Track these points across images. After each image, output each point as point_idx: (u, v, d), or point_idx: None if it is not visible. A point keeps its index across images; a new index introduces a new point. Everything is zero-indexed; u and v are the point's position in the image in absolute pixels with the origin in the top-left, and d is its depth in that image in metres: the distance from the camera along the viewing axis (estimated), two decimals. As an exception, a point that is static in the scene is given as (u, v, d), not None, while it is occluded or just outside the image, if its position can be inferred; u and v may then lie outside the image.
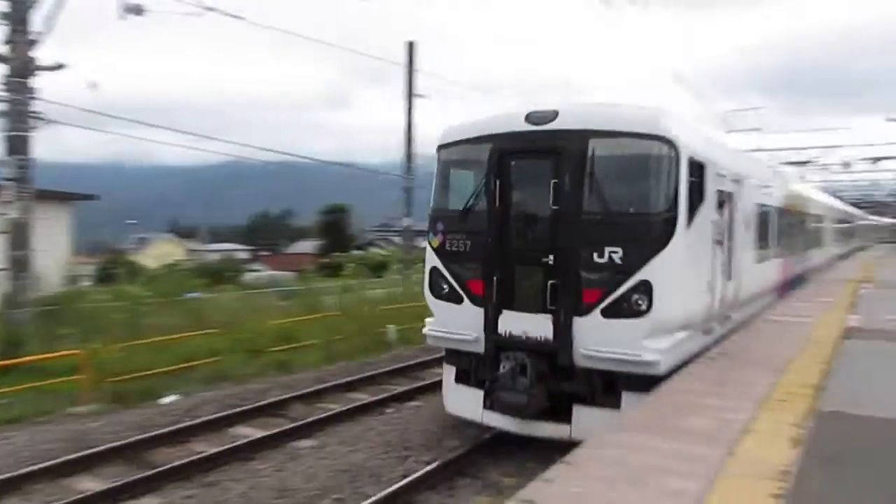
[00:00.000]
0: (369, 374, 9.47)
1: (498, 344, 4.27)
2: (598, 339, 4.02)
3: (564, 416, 4.34)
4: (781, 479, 3.32)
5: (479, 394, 4.47)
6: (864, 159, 18.09)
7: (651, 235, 3.84)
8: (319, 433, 7.26)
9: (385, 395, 8.48)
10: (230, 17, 9.84)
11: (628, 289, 3.84)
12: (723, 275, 5.16)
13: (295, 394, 8.41)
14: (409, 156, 15.81)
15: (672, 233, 3.94)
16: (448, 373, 4.84)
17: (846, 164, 18.11)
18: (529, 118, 4.27)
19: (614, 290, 3.87)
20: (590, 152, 3.94)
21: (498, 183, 4.16)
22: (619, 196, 3.97)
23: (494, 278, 4.22)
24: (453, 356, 4.79)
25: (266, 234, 57.09)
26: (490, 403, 4.44)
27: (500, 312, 4.26)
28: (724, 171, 4.99)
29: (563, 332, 3.97)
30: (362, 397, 8.56)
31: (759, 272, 6.83)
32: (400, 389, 8.72)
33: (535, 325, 4.06)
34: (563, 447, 3.72)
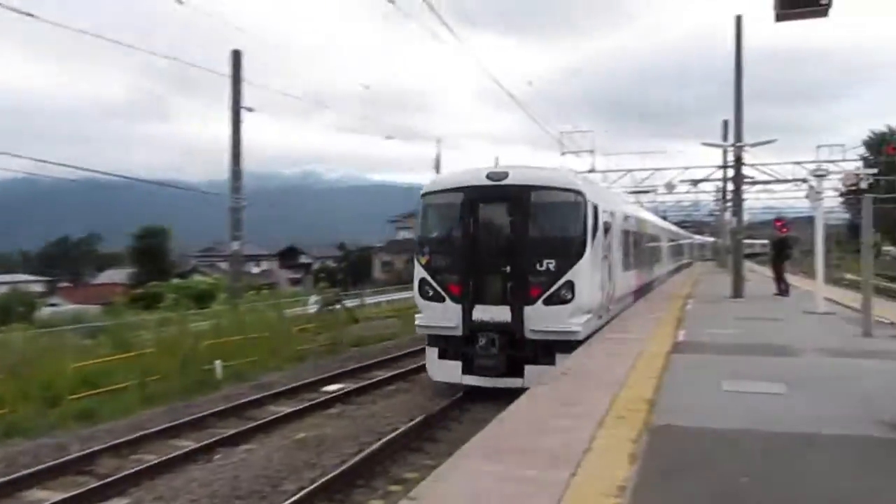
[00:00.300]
0: (194, 416, 8.71)
1: (472, 328, 7.08)
2: (540, 320, 6.87)
3: (519, 373, 7.26)
4: (618, 496, 3.62)
5: (458, 364, 7.24)
6: (685, 181, 21.86)
7: (572, 252, 6.89)
8: (134, 489, 6.59)
9: (212, 439, 7.85)
10: (15, 12, 8.51)
11: (559, 286, 6.73)
12: (607, 279, 8.53)
13: (103, 446, 7.61)
14: (235, 173, 14.41)
15: (584, 250, 7.02)
16: (431, 353, 7.74)
17: (670, 186, 20.22)
18: (489, 176, 7.24)
19: (550, 287, 6.74)
20: (532, 199, 6.96)
21: (470, 220, 7.19)
22: (551, 227, 6.89)
23: (469, 283, 7.09)
24: (438, 340, 7.55)
25: (66, 263, 48.82)
26: (467, 369, 7.11)
27: (473, 306, 7.12)
28: (606, 208, 8.43)
29: (517, 316, 6.80)
30: (186, 444, 7.90)
31: (625, 279, 10.51)
32: (230, 432, 8.11)
33: (498, 314, 6.95)
34: (458, 441, 5.47)
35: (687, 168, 43.40)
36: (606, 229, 9.20)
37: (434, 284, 8.50)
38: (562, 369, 5.78)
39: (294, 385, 10.54)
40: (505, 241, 8.18)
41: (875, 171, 19.29)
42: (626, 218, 11.85)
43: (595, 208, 8.67)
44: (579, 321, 7.85)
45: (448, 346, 8.42)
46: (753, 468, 4.00)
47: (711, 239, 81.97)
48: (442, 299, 8.35)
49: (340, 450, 7.06)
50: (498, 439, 4.12)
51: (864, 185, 18.79)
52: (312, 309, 16.25)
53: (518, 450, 4.00)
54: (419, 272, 8.54)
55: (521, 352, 8.00)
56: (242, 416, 8.96)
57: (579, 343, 7.35)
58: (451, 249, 8.52)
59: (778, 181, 21.67)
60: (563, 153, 19.07)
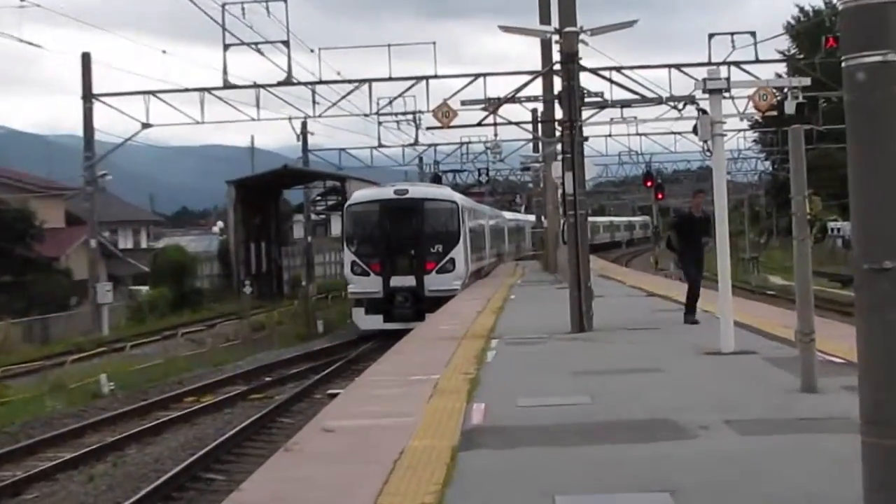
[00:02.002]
0: None
1: (390, 292, 40.03)
2: (434, 284, 40.24)
3: (422, 318, 34.25)
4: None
5: (380, 317, 39.87)
6: (472, 103, 30.12)
7: (452, 240, 41.44)
8: None
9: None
10: None
11: (445, 262, 40.78)
12: (474, 254, 46.89)
13: None
14: None
15: (459, 238, 41.69)
16: (359, 311, 40.84)
17: (444, 113, 39.34)
18: (395, 192, 42.38)
19: (440, 262, 40.74)
20: (426, 207, 41.95)
21: (385, 221, 40.85)
22: (439, 225, 41.82)
23: (387, 262, 40.24)
24: (366, 302, 40.37)
25: None
26: (388, 319, 39.62)
27: (390, 277, 40.05)
28: (470, 210, 48.51)
29: (420, 282, 40.13)
30: None
31: (485, 254, 55.14)
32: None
33: (408, 281, 40.09)
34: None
35: (479, 76, 51.99)
36: (471, 226, 45.17)
37: (361, 264, 40.53)
38: None
39: None
40: (409, 234, 40.56)
41: (808, 79, 23.23)
42: (482, 217, 54.92)
43: (464, 211, 43.32)
44: (458, 283, 40.95)
45: (372, 305, 39.94)
46: None
47: (529, 218, 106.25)
48: (367, 274, 40.19)
49: None
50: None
51: (790, 105, 22.54)
52: None
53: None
54: (349, 256, 41.31)
55: (423, 304, 38.43)
56: None
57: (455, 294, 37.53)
58: (372, 241, 40.71)
59: (643, 100, 24.98)
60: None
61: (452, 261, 42.24)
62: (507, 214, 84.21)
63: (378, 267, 41.23)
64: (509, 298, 33.01)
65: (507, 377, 13.75)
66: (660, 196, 68.96)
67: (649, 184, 66.42)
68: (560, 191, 28.18)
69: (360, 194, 44.74)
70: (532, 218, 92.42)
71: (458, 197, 46.50)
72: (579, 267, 19.96)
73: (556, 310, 22.74)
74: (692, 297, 19.52)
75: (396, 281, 41.06)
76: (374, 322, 40.86)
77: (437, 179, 67.74)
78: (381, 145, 61.24)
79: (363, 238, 42.32)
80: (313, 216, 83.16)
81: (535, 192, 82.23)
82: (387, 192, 43.59)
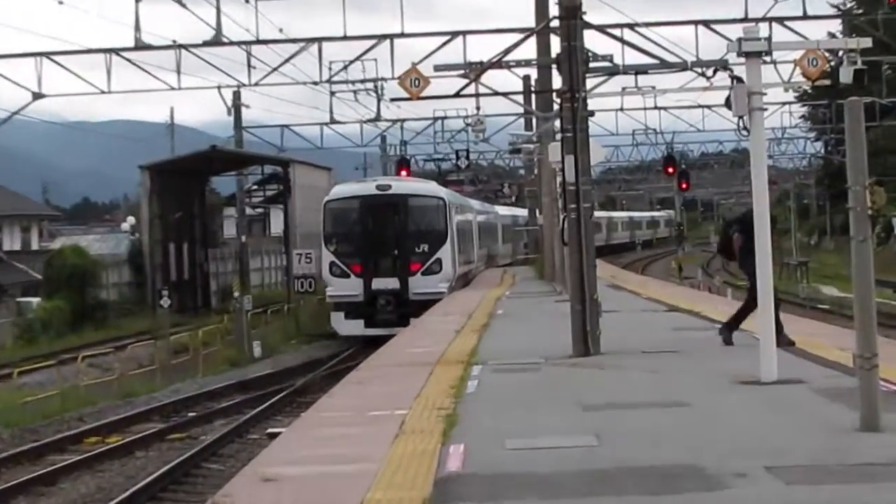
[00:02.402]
0: None
1: (372, 295, 48.38)
2: (420, 286, 48.44)
3: (406, 323, 38.39)
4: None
5: (361, 321, 48.21)
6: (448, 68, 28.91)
7: (439, 239, 49.89)
8: None
9: None
10: None
11: (431, 262, 49.08)
12: (462, 255, 56.82)
13: None
14: None
15: (446, 237, 50.38)
16: (338, 315, 49.62)
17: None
18: (378, 187, 51.56)
19: (425, 263, 49.05)
20: (410, 203, 50.86)
21: (367, 219, 50.14)
22: (425, 223, 50.71)
23: (369, 263, 49.12)
24: (345, 305, 49.07)
25: None
26: (369, 324, 47.99)
27: (371, 279, 48.56)
28: (458, 206, 58.82)
29: (404, 284, 48.41)
30: None
31: (474, 255, 66.00)
32: None
33: (391, 283, 48.55)
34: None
35: (457, 35, 52.40)
36: (459, 221, 55.11)
37: (341, 265, 48.91)
38: None
39: None
40: (392, 233, 49.63)
41: (868, 40, 23.25)
42: (471, 212, 66.12)
43: (453, 207, 52.91)
44: (445, 286, 49.13)
45: (352, 309, 48.36)
46: None
47: (520, 212, 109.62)
48: (347, 276, 48.69)
49: None
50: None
51: (846, 73, 22.67)
52: None
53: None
54: (328, 257, 49.54)
55: (407, 308, 45.33)
56: None
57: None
58: (354, 239, 49.39)
59: (663, 66, 25.03)
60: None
61: (439, 261, 48.93)
62: (502, 209, 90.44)
63: (359, 268, 47.99)
64: (495, 314, 33.18)
65: (493, 412, 13.79)
66: (684, 186, 69.25)
67: (671, 170, 66.56)
68: (559, 179, 28.21)
69: (339, 189, 52.44)
70: (523, 212, 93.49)
71: (445, 192, 53.84)
72: (583, 274, 20.10)
73: (553, 328, 22.85)
74: (744, 313, 19.58)
75: (378, 283, 47.96)
76: (355, 327, 47.89)
77: (404, 165, 68.48)
78: (333, 121, 61.49)
79: (343, 237, 49.18)
80: (249, 210, 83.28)
81: (528, 180, 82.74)
82: (368, 188, 50.77)
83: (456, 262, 51.36)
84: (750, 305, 19.78)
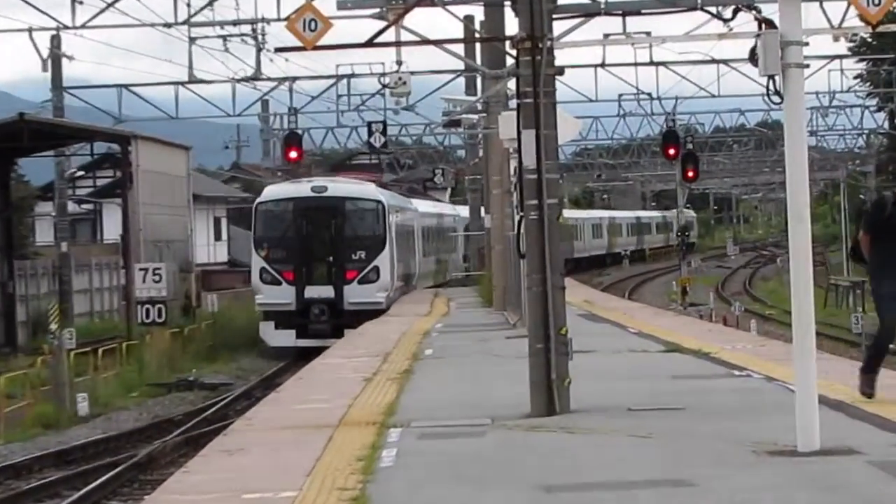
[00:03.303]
0: None
1: (304, 304, 69.34)
2: (356, 295, 69.30)
3: (341, 335, 56.07)
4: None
5: (292, 332, 69.14)
6: None
7: (377, 245, 71.04)
8: None
9: None
10: None
11: (368, 270, 69.66)
12: (401, 262, 79.94)
13: None
14: None
15: (385, 243, 71.50)
16: (268, 326, 70.89)
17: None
18: (313, 189, 71.84)
19: (362, 271, 69.70)
20: (347, 207, 71.64)
21: (301, 222, 70.97)
22: (362, 227, 71.98)
23: (302, 269, 69.77)
24: (276, 315, 70.08)
25: None
26: (301, 335, 69.13)
27: (304, 287, 69.27)
28: (398, 209, 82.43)
29: (339, 293, 69.22)
30: None
31: (410, 269, 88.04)
32: None
33: (325, 291, 69.45)
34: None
35: None
36: (399, 229, 78.31)
37: (272, 271, 68.77)
38: None
39: None
40: (327, 238, 70.03)
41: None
42: (412, 212, 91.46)
43: (391, 210, 74.60)
44: (383, 296, 69.66)
45: (283, 319, 68.95)
46: None
47: (449, 210, 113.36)
48: (279, 283, 68.55)
49: None
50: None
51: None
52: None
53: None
54: (258, 262, 69.59)
55: (342, 319, 65.76)
56: None
57: (383, 311, 66.19)
58: (286, 244, 69.48)
59: (662, 4, 25.18)
60: None
61: (377, 269, 63.48)
62: (424, 204, 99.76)
63: (291, 275, 62.44)
64: (422, 355, 33.34)
65: (417, 496, 13.71)
66: (690, 174, 68.69)
67: (672, 152, 66.49)
68: (513, 164, 28.21)
69: (272, 190, 67.96)
70: (459, 212, 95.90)
71: (384, 195, 68.92)
72: (547, 299, 20.09)
73: (504, 375, 22.93)
74: (880, 349, 19.60)
75: (312, 291, 62.41)
76: (286, 338, 62.87)
77: (293, 143, 71.11)
78: (194, 80, 61.45)
79: (274, 241, 64.20)
80: (73, 206, 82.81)
81: (469, 165, 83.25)
82: (303, 189, 65.40)
83: (395, 270, 66.26)
84: (883, 338, 19.84)
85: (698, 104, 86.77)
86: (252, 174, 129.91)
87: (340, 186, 69.30)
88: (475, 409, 21.66)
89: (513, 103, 24.90)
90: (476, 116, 57.79)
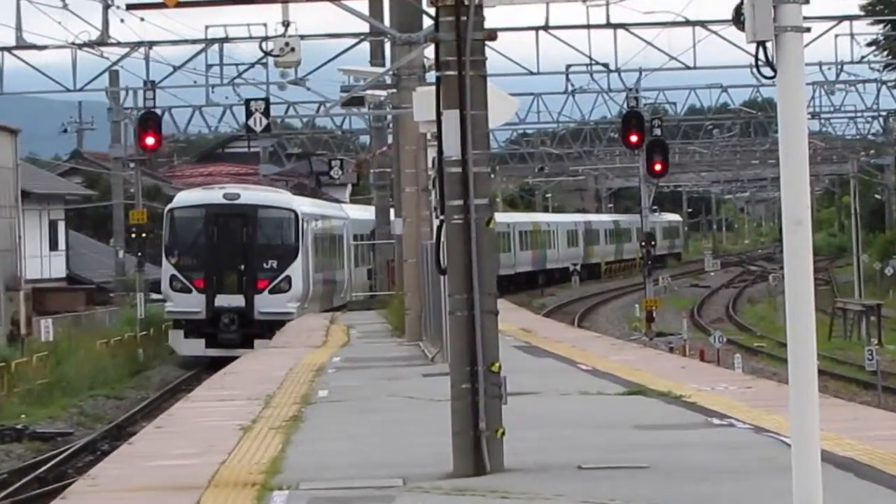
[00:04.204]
0: None
1: (215, 313, 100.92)
2: (266, 305, 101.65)
3: (250, 345, 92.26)
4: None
5: (201, 341, 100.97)
6: None
7: (289, 254, 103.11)
8: None
9: None
10: None
11: (280, 280, 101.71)
12: (316, 272, 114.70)
13: None
14: None
15: (297, 253, 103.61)
16: (177, 334, 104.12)
17: None
18: (225, 196, 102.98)
19: (273, 280, 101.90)
20: (259, 215, 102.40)
21: (212, 230, 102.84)
22: (274, 236, 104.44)
23: (213, 278, 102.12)
24: (186, 323, 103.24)
25: None
26: (210, 344, 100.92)
27: (215, 295, 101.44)
28: (316, 218, 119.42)
29: (250, 302, 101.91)
30: None
31: (333, 280, 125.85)
32: None
33: (235, 300, 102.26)
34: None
35: None
36: (314, 237, 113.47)
37: (182, 279, 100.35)
38: None
39: None
40: (239, 246, 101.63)
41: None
42: (326, 220, 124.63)
43: (305, 219, 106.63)
44: (294, 306, 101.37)
45: (193, 327, 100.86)
46: None
47: (340, 213, 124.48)
48: (189, 290, 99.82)
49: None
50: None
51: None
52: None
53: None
54: (168, 269, 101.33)
55: (252, 329, 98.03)
56: None
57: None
58: (198, 252, 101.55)
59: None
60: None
61: (288, 279, 77.05)
62: (306, 204, 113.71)
63: (202, 283, 74.69)
64: (314, 396, 33.41)
65: None
66: (658, 167, 69.28)
67: (635, 139, 66.94)
68: (431, 154, 28.23)
69: (184, 196, 77.65)
70: (363, 214, 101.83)
71: (299, 204, 79.26)
72: (475, 327, 20.04)
73: (419, 423, 22.97)
74: None
75: (222, 300, 75.46)
76: (195, 347, 75.44)
77: (150, 125, 72.42)
78: (23, 44, 61.38)
79: (185, 248, 76.85)
80: None
81: (375, 157, 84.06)
82: (215, 196, 77.21)
83: (310, 280, 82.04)
84: None
85: (668, 78, 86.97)
86: (98, 165, 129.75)
87: (254, 194, 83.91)
88: (382, 467, 21.71)
89: (431, 76, 24.92)
90: (384, 93, 57.30)
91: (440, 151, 21.61)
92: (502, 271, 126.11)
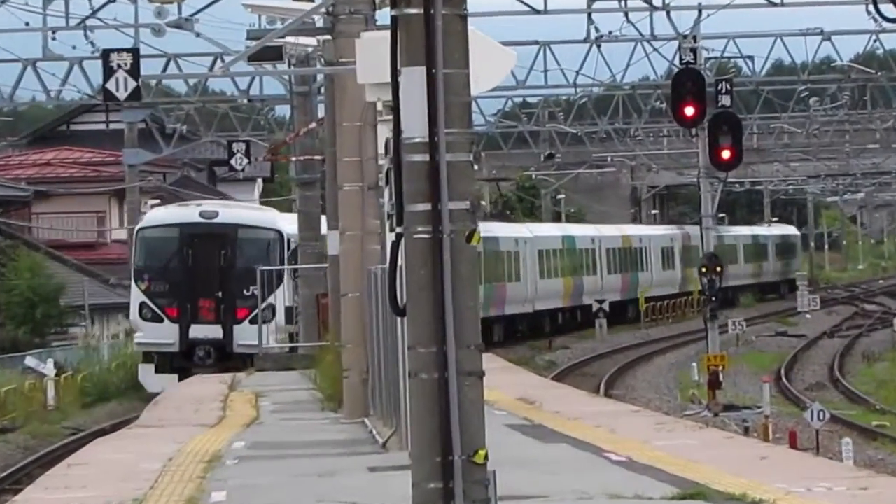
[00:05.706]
0: None
1: (189, 344, 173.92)
2: (247, 337, 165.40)
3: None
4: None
5: (174, 377, 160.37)
6: None
7: (272, 280, 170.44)
8: None
9: None
10: None
11: (262, 308, 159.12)
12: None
13: None
14: None
15: (282, 278, 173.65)
16: (146, 368, 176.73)
17: None
18: (202, 214, 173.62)
19: (254, 309, 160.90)
20: (240, 235, 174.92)
21: (187, 252, 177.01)
22: (256, 259, 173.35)
23: (187, 306, 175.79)
24: (155, 356, 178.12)
25: None
26: (185, 379, 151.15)
27: (189, 325, 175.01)
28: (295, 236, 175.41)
29: (228, 333, 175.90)
30: None
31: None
32: None
33: (212, 331, 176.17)
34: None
35: None
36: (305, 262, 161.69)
37: (153, 307, 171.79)
38: None
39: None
40: (217, 270, 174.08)
41: None
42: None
43: (289, 240, 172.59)
44: (279, 337, 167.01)
45: (164, 361, 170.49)
46: None
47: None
48: (161, 320, 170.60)
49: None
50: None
51: None
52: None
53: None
54: (137, 296, 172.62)
55: (230, 363, 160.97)
56: None
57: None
58: (170, 277, 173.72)
59: None
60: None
61: (272, 308, 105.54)
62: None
63: (175, 312, 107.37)
64: (205, 502, 33.25)
65: None
66: (726, 154, 69.14)
67: (691, 111, 67.15)
68: (383, 136, 28.31)
69: (155, 215, 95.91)
70: (286, 226, 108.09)
71: (285, 222, 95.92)
72: (448, 396, 20.02)
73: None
74: None
75: (197, 330, 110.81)
76: (167, 383, 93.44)
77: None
78: None
79: (157, 273, 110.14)
80: None
81: (297, 138, 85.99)
82: (190, 214, 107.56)
83: (295, 310, 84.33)
84: None
85: (743, 19, 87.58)
86: None
87: (233, 212, 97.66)
88: None
89: (384, 15, 25.00)
90: (312, 41, 56.39)
91: (397, 130, 21.50)
92: (584, 300, 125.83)
